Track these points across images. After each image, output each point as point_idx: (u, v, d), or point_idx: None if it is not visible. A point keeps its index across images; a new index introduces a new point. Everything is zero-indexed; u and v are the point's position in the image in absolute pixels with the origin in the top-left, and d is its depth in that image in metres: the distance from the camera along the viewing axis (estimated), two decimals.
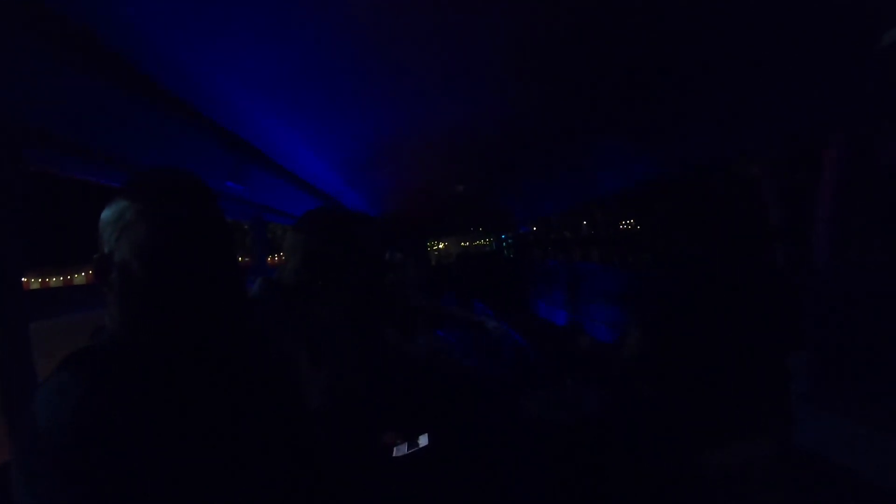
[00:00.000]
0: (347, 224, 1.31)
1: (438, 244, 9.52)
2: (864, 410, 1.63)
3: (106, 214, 0.67)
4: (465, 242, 9.07)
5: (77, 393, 0.57)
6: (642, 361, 1.46)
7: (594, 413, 1.72)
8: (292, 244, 1.25)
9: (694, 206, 1.61)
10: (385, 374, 1.62)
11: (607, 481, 1.47)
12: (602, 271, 4.33)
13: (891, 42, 1.34)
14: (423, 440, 1.50)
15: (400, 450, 1.48)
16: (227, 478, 0.63)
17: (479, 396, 1.97)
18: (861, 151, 1.87)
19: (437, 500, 1.44)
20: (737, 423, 1.30)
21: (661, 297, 1.47)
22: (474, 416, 2.19)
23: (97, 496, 0.53)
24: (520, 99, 2.01)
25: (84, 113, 1.11)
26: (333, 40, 1.33)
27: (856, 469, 1.54)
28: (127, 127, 1.27)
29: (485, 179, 4.31)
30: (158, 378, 0.63)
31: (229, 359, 0.72)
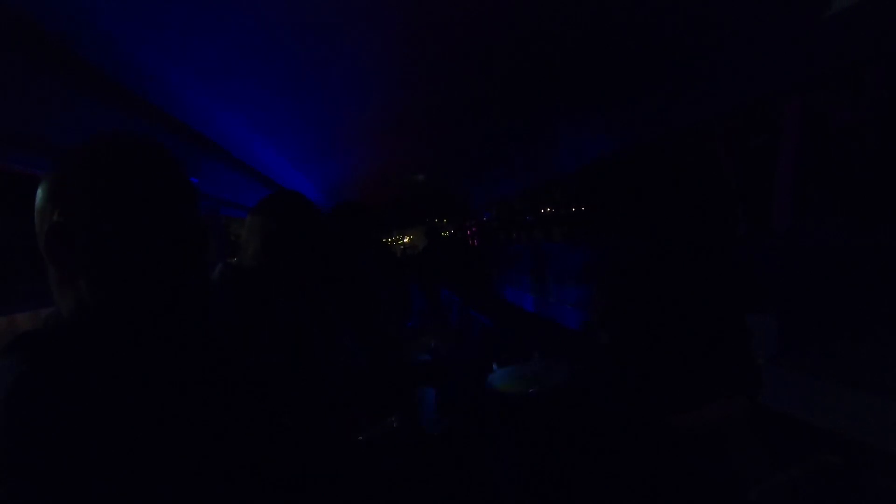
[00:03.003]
0: (308, 207, 1.29)
1: (403, 237, 9.45)
2: (829, 368, 1.72)
3: (50, 185, 0.60)
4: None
5: (12, 377, 0.51)
6: (608, 331, 1.50)
7: (562, 385, 1.76)
8: (251, 227, 1.22)
9: (650, 176, 1.63)
10: (351, 359, 1.61)
11: (578, 450, 1.50)
12: (564, 250, 4.41)
13: (841, 8, 1.40)
14: (393, 422, 1.50)
15: (369, 434, 1.48)
16: (183, 476, 0.57)
17: (446, 377, 1.99)
18: (815, 117, 1.94)
19: (410, 481, 1.45)
20: (706, 386, 1.33)
21: (622, 266, 1.50)
22: (443, 396, 2.21)
23: (27, 489, 0.46)
24: (471, 81, 2.02)
25: (24, 104, 1.07)
26: (282, 25, 1.31)
27: (824, 425, 1.61)
28: (72, 118, 1.22)
29: (444, 167, 4.32)
30: (115, 363, 0.57)
31: (193, 346, 0.68)
